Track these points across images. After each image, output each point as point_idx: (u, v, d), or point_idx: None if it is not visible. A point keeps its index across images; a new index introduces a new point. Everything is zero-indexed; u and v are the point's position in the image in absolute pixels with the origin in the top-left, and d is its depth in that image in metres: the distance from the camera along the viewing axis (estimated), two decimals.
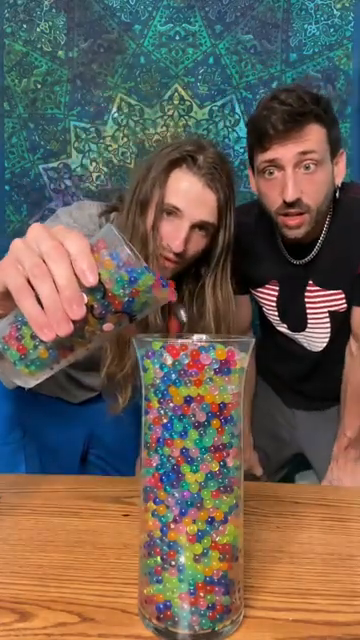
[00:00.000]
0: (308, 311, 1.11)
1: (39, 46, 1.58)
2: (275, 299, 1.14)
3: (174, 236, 0.86)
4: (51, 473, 1.03)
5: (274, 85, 1.55)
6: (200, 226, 0.88)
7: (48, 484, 0.77)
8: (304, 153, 0.90)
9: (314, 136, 0.91)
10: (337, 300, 1.09)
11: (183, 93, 1.57)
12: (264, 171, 0.95)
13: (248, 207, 1.21)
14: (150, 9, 1.55)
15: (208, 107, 1.57)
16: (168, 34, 1.56)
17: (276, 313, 1.15)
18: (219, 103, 1.57)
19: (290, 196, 0.91)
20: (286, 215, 0.95)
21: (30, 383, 0.47)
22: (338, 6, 1.52)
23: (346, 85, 1.53)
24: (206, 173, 0.86)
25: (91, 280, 0.39)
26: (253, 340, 0.45)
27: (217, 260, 0.94)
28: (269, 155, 0.92)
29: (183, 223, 0.86)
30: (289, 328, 1.16)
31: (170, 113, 1.57)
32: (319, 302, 1.10)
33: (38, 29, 1.58)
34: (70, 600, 0.47)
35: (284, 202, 0.93)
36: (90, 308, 0.42)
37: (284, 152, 0.90)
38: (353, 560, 0.55)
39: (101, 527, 0.64)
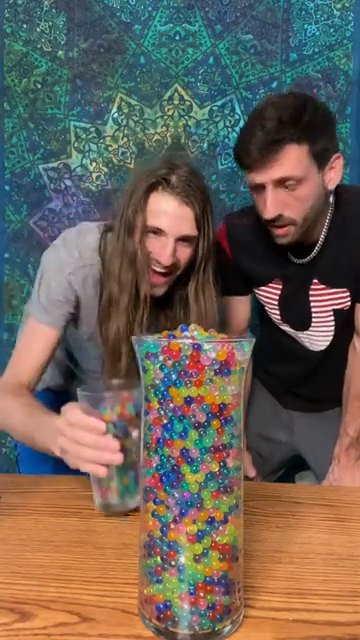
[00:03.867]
0: (313, 309, 1.11)
1: (39, 46, 1.58)
2: (278, 297, 1.14)
3: (162, 252, 0.94)
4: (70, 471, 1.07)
5: (274, 85, 1.55)
6: (183, 239, 0.96)
7: (48, 484, 0.77)
8: (282, 179, 0.92)
9: (292, 158, 0.91)
10: (342, 298, 1.09)
11: (183, 93, 1.56)
12: (252, 187, 0.99)
13: (249, 209, 1.22)
14: (150, 9, 1.55)
15: (208, 107, 1.56)
16: (168, 34, 1.55)
17: (278, 312, 1.15)
18: (219, 103, 1.56)
19: (268, 215, 0.94)
20: (272, 226, 0.99)
21: (132, 504, 0.67)
22: (338, 6, 1.52)
23: (346, 85, 1.53)
24: (180, 192, 0.94)
25: (118, 459, 0.61)
26: (253, 340, 0.45)
27: (198, 266, 1.01)
28: (252, 177, 0.96)
29: (168, 240, 0.94)
30: (292, 327, 1.16)
31: (170, 113, 1.57)
32: (324, 300, 1.09)
33: (38, 29, 1.57)
34: (70, 600, 0.47)
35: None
36: (122, 439, 0.62)
37: (262, 177, 0.93)
38: (353, 560, 0.55)
39: (101, 527, 0.64)
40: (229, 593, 0.42)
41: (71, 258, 0.99)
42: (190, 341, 0.40)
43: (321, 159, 0.95)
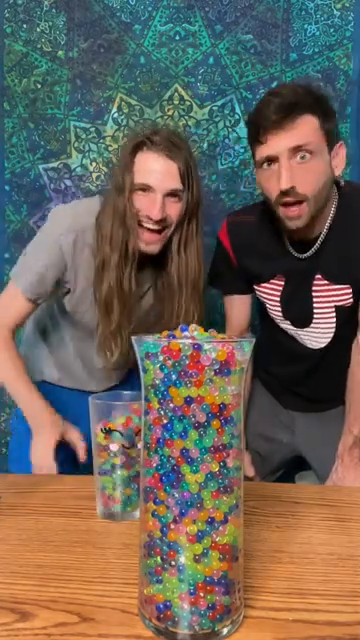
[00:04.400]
0: (315, 305, 1.11)
1: (39, 46, 1.58)
2: (280, 293, 1.15)
3: (151, 207, 1.00)
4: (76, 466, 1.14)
5: (274, 85, 1.55)
6: (171, 194, 1.01)
7: (48, 484, 0.77)
8: (297, 146, 0.93)
9: (307, 126, 0.93)
10: (344, 295, 1.09)
11: (183, 93, 1.56)
12: (262, 164, 0.99)
13: (250, 207, 1.23)
14: (150, 9, 1.55)
15: (208, 107, 1.56)
16: (168, 34, 1.55)
17: (279, 308, 1.15)
18: (219, 103, 1.56)
19: (284, 183, 0.94)
20: (285, 205, 0.98)
21: (134, 514, 0.67)
22: (338, 6, 1.52)
23: (346, 85, 1.53)
24: (164, 147, 1.00)
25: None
26: (253, 340, 0.45)
27: (182, 220, 1.05)
28: (265, 150, 0.96)
29: (156, 195, 1.00)
30: (293, 324, 1.16)
31: (170, 113, 1.57)
32: (326, 296, 1.10)
33: (38, 29, 1.58)
34: (70, 600, 0.47)
35: (280, 191, 0.96)
36: (128, 449, 0.66)
37: (278, 143, 0.94)
38: (353, 560, 0.55)
39: (101, 527, 0.64)
40: (229, 593, 0.42)
41: (64, 221, 1.05)
42: (190, 341, 0.40)
43: (330, 138, 0.97)
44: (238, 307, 1.23)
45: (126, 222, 1.02)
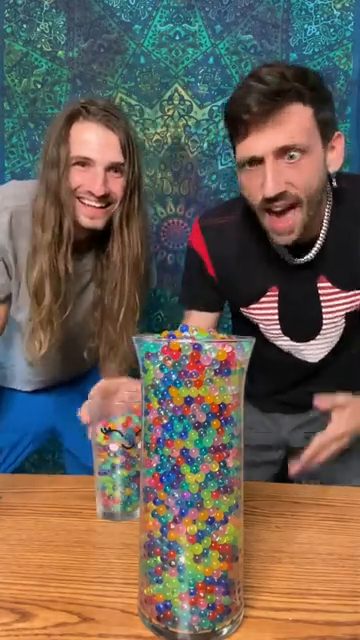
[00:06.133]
0: (324, 316, 0.96)
1: (39, 46, 1.58)
2: (276, 309, 0.97)
3: (93, 183, 0.92)
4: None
5: None
6: (112, 168, 0.94)
7: (48, 484, 0.77)
8: (286, 146, 0.78)
9: (297, 119, 0.77)
10: (357, 300, 0.95)
11: (183, 93, 1.56)
12: (244, 165, 0.83)
13: (230, 204, 1.03)
14: (150, 9, 1.55)
15: (208, 107, 1.56)
16: (168, 34, 1.55)
17: (277, 326, 0.98)
18: (219, 103, 1.56)
19: (270, 190, 0.78)
20: (271, 213, 0.82)
21: (134, 514, 0.67)
22: (338, 6, 1.52)
23: (346, 85, 1.53)
24: (102, 117, 0.92)
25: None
26: (253, 340, 0.45)
27: (124, 195, 0.97)
28: (247, 149, 0.80)
29: (97, 169, 0.92)
30: (293, 339, 0.99)
31: (170, 113, 1.57)
32: (337, 304, 0.95)
33: (38, 29, 1.57)
34: (70, 600, 0.47)
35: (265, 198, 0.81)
36: (128, 449, 0.66)
37: (262, 142, 0.77)
38: (353, 560, 0.55)
39: (101, 527, 0.64)
40: (229, 593, 0.42)
41: None
42: (190, 341, 0.40)
43: (325, 131, 0.82)
44: (202, 325, 1.02)
45: (60, 199, 0.93)
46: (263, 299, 0.97)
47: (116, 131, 0.93)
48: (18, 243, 0.97)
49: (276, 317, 0.98)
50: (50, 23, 1.57)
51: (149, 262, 1.09)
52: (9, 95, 1.59)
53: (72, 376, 1.26)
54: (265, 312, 0.98)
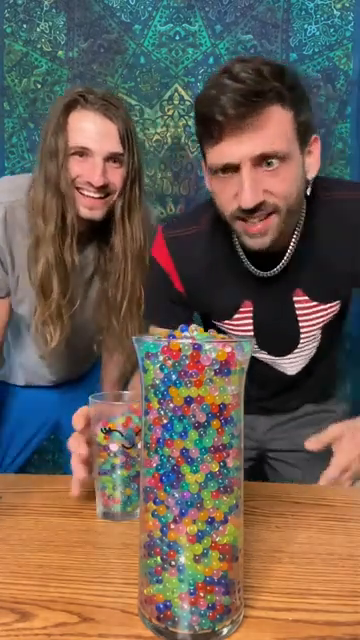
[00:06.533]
0: (302, 330, 0.91)
1: (39, 46, 1.58)
2: (251, 325, 0.91)
3: (92, 173, 0.90)
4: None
5: None
6: (112, 158, 0.92)
7: (48, 484, 0.77)
8: (264, 155, 0.72)
9: (276, 124, 0.70)
10: (333, 312, 0.91)
11: (183, 93, 1.56)
12: (216, 171, 0.76)
13: (196, 213, 0.95)
14: (150, 9, 1.55)
15: None
16: (168, 34, 1.55)
17: (254, 340, 0.92)
18: None
19: (248, 202, 0.71)
20: (245, 220, 0.76)
21: (134, 515, 0.66)
22: (338, 6, 1.52)
23: (346, 85, 1.53)
24: (100, 106, 0.91)
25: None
26: (253, 340, 0.45)
27: (124, 185, 0.95)
28: (220, 155, 0.73)
29: (96, 159, 0.90)
30: (271, 353, 0.94)
31: (170, 113, 1.57)
32: (313, 318, 0.91)
33: (38, 29, 1.58)
34: (70, 600, 0.47)
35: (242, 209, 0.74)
36: (128, 449, 0.65)
37: (238, 148, 0.70)
38: (353, 560, 0.55)
39: (101, 527, 0.64)
40: (229, 593, 0.42)
41: None
42: (190, 341, 0.40)
43: (303, 136, 0.76)
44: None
45: (60, 189, 0.91)
46: (237, 315, 0.91)
47: (115, 120, 0.91)
48: (14, 238, 0.96)
49: (251, 332, 0.92)
50: (50, 23, 1.57)
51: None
52: (9, 95, 1.59)
53: (81, 371, 1.26)
54: (240, 328, 0.92)
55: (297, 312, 0.90)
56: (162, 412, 0.41)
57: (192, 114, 1.57)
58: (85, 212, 0.94)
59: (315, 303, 0.89)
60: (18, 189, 0.97)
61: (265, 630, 0.43)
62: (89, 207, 0.94)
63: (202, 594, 0.41)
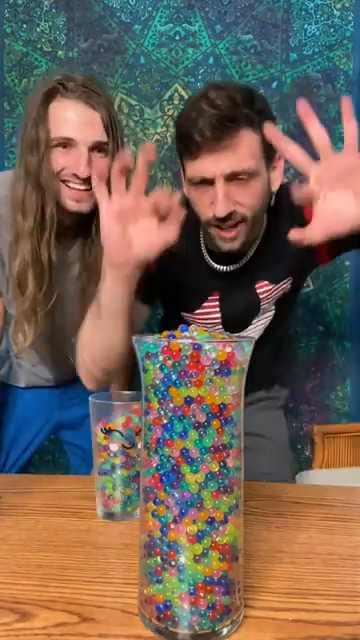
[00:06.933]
0: (261, 306, 1.01)
1: (39, 46, 1.58)
2: (219, 312, 1.00)
3: (77, 164, 0.88)
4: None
5: (274, 85, 1.55)
6: (96, 147, 0.90)
7: (48, 484, 0.77)
8: (234, 173, 0.81)
9: (246, 145, 0.81)
10: (285, 287, 1.01)
11: (183, 93, 1.57)
12: (193, 183, 0.86)
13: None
14: (150, 9, 1.55)
15: None
16: (168, 34, 1.56)
17: (220, 326, 1.01)
18: None
19: (221, 212, 0.82)
20: (219, 227, 0.87)
21: (134, 515, 0.67)
22: (338, 6, 1.52)
23: (346, 85, 1.53)
24: (81, 94, 0.88)
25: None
26: (254, 339, 0.45)
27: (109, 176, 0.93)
28: (197, 170, 0.83)
29: (80, 149, 0.88)
30: (228, 330, 1.02)
31: (170, 113, 1.57)
32: (272, 297, 1.01)
33: (38, 29, 1.58)
34: (70, 600, 0.47)
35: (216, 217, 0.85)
36: (128, 449, 0.66)
37: (213, 165, 0.81)
38: (353, 560, 0.55)
39: (101, 527, 0.64)
40: (229, 593, 0.42)
41: None
42: (190, 341, 0.40)
43: (269, 153, 0.85)
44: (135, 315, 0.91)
45: (41, 183, 0.88)
46: (205, 304, 1.00)
47: (97, 108, 0.88)
48: (1, 236, 0.94)
49: (219, 320, 1.01)
50: (50, 23, 1.57)
51: None
52: (9, 95, 1.59)
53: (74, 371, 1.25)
54: (208, 317, 1.01)
55: (260, 297, 1.00)
56: (162, 412, 0.41)
57: None
58: (72, 205, 0.92)
59: (273, 285, 1.00)
60: (2, 185, 0.94)
61: (265, 630, 0.43)
62: (76, 200, 0.91)
63: (202, 594, 0.41)
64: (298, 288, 1.07)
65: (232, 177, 0.82)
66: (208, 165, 0.81)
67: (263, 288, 0.99)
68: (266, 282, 0.99)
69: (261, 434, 1.14)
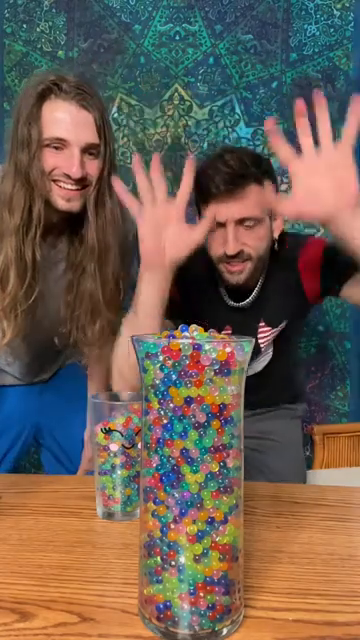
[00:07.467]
0: (261, 350, 1.14)
1: (39, 46, 1.58)
2: None
3: (69, 165, 0.88)
4: None
5: (274, 85, 1.55)
6: (88, 150, 0.91)
7: (48, 484, 0.77)
8: (243, 219, 0.98)
9: (254, 197, 0.97)
10: (281, 328, 1.14)
11: (183, 93, 1.57)
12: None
13: (192, 258, 1.10)
14: (150, 9, 1.55)
15: (208, 107, 1.57)
16: (168, 34, 1.56)
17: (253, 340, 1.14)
18: (219, 103, 1.57)
19: (231, 250, 0.99)
20: (228, 263, 1.03)
21: (134, 515, 0.66)
22: (338, 6, 1.52)
23: (346, 85, 1.53)
24: (75, 95, 0.89)
25: None
26: (253, 340, 0.45)
27: (100, 176, 0.93)
28: (212, 214, 0.95)
29: (73, 150, 0.88)
30: None
31: (170, 113, 1.57)
32: (270, 338, 1.14)
33: (38, 29, 1.58)
34: (70, 600, 0.47)
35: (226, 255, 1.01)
36: (128, 449, 0.66)
37: (225, 211, 0.97)
38: (353, 560, 0.55)
39: (101, 527, 0.64)
40: (229, 593, 0.42)
41: None
42: (190, 341, 0.40)
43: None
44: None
45: (30, 180, 0.89)
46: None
47: (91, 110, 0.89)
48: None
49: None
50: (50, 23, 1.57)
51: (126, 243, 1.03)
52: (9, 95, 1.59)
53: (50, 368, 1.24)
54: None
55: (258, 336, 1.13)
56: (162, 412, 0.41)
57: (192, 114, 1.58)
58: (62, 204, 0.92)
59: (269, 328, 1.14)
60: None
61: (265, 630, 0.43)
62: (66, 198, 0.92)
63: (202, 594, 0.41)
64: (294, 331, 1.21)
65: (240, 222, 0.99)
66: (222, 211, 0.97)
67: (263, 328, 1.13)
68: (267, 325, 1.13)
69: (276, 439, 1.23)
